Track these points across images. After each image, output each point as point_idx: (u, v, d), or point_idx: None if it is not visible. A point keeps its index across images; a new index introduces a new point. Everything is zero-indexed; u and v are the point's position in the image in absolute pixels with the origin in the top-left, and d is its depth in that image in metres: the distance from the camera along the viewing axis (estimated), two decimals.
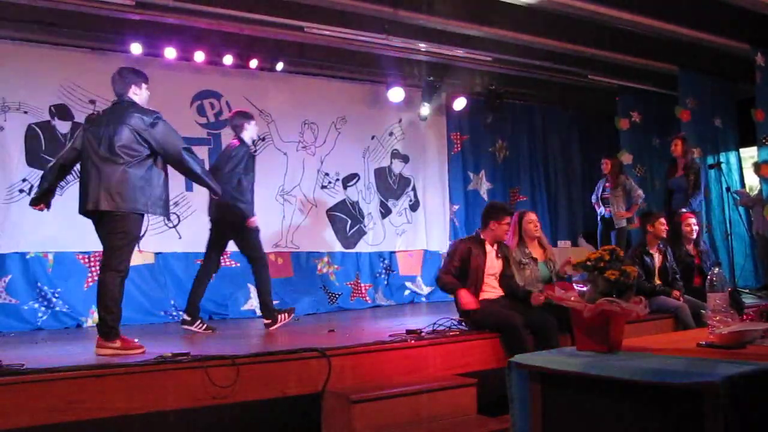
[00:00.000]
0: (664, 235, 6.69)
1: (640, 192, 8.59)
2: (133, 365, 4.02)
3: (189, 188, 7.89)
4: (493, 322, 5.24)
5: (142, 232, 4.85)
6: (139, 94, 4.89)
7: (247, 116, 6.36)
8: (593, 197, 9.02)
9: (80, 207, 4.70)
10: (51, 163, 4.93)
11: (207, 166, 7.98)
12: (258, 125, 6.60)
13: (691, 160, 8.10)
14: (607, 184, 8.73)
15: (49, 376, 3.76)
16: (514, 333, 5.11)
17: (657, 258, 6.63)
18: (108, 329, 4.57)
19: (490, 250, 5.59)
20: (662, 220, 6.68)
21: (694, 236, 6.93)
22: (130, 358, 4.28)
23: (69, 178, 7.19)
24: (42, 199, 4.85)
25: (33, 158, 7.14)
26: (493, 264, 5.58)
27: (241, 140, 6.21)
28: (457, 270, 5.46)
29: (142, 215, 4.72)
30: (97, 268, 7.24)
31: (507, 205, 6.12)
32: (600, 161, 8.93)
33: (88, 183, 4.64)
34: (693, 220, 6.99)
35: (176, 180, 7.77)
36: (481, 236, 5.61)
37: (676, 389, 2.47)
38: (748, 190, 9.33)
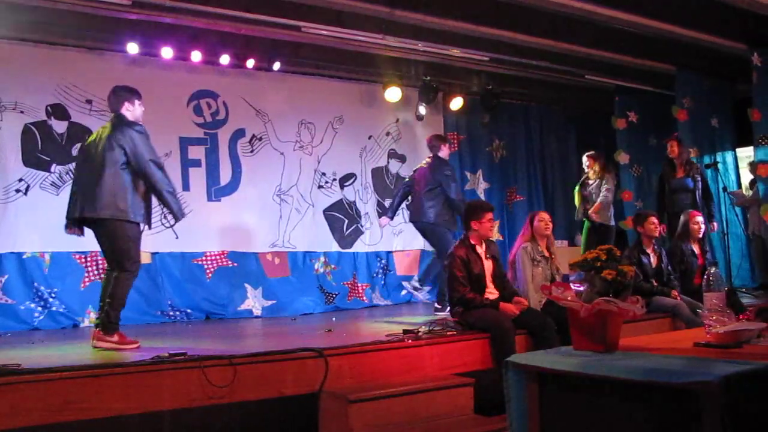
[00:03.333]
0: (656, 234, 6.71)
1: (609, 197, 8.38)
2: (129, 365, 4.02)
3: (185, 188, 7.88)
4: (484, 324, 5.25)
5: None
6: (131, 111, 5.10)
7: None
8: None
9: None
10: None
11: (204, 165, 8.03)
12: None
13: (688, 160, 8.10)
14: (589, 180, 8.54)
15: (46, 377, 3.76)
16: (502, 335, 5.12)
17: (653, 258, 6.65)
18: (110, 324, 4.86)
19: (482, 252, 5.60)
20: (652, 219, 6.69)
21: (701, 235, 6.95)
22: (130, 356, 4.28)
23: (66, 178, 7.23)
24: None
25: (29, 158, 7.13)
26: (487, 265, 5.60)
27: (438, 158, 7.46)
28: (466, 279, 5.46)
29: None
30: (94, 268, 7.26)
31: (484, 202, 6.19)
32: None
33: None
34: (700, 218, 7.00)
35: (172, 179, 7.77)
36: (470, 240, 5.62)
37: (673, 389, 2.47)
38: (744, 191, 9.34)
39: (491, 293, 5.53)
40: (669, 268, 6.71)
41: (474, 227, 5.59)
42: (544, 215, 6.13)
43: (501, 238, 9.96)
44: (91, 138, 5.19)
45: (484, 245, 5.66)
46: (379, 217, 8.70)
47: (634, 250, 6.68)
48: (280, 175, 8.57)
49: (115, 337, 4.88)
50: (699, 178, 7.93)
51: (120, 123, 4.99)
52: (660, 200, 8.17)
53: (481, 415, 4.61)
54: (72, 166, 7.29)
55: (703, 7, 7.46)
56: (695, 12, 7.52)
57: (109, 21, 6.91)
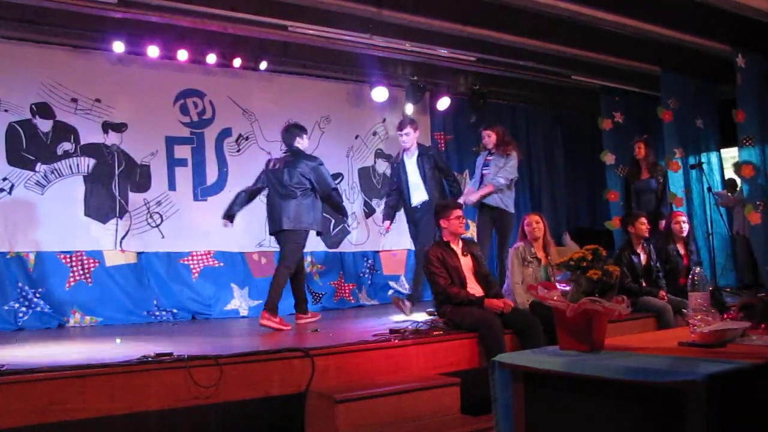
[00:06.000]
0: (647, 235, 6.74)
1: (510, 176, 7.10)
2: (115, 365, 3.99)
3: (172, 188, 7.85)
4: (471, 323, 5.25)
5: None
6: (301, 143, 6.40)
7: None
8: (471, 182, 7.72)
9: (270, 228, 6.41)
10: (241, 193, 6.56)
11: (190, 165, 7.99)
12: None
13: (654, 162, 8.12)
14: (489, 158, 7.32)
15: (30, 377, 3.73)
16: (491, 333, 5.13)
17: (643, 258, 6.70)
18: (274, 307, 5.93)
19: (457, 249, 5.63)
20: (643, 219, 6.74)
21: (684, 234, 6.98)
22: (115, 356, 4.26)
23: (51, 177, 7.18)
24: (232, 216, 6.50)
25: (14, 157, 7.06)
26: (465, 261, 5.62)
27: None
28: (445, 273, 5.47)
29: (308, 231, 6.35)
30: (79, 268, 7.21)
31: (451, 201, 6.25)
32: (578, 157, 8.86)
33: (273, 211, 6.26)
34: (683, 218, 7.04)
35: (158, 179, 7.79)
36: (443, 239, 5.68)
37: (657, 388, 2.49)
38: (727, 192, 9.40)
39: (473, 289, 5.52)
40: (657, 265, 6.76)
41: (443, 225, 5.70)
42: (532, 218, 6.15)
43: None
44: (275, 167, 6.36)
45: (460, 243, 5.70)
46: None
47: (625, 251, 6.72)
48: None
49: (277, 319, 5.91)
50: (661, 179, 7.97)
51: (299, 157, 6.26)
52: (627, 201, 8.20)
53: (468, 415, 4.62)
54: (57, 165, 7.26)
55: (687, 9, 7.51)
56: (680, 13, 7.56)
57: (94, 19, 6.86)
